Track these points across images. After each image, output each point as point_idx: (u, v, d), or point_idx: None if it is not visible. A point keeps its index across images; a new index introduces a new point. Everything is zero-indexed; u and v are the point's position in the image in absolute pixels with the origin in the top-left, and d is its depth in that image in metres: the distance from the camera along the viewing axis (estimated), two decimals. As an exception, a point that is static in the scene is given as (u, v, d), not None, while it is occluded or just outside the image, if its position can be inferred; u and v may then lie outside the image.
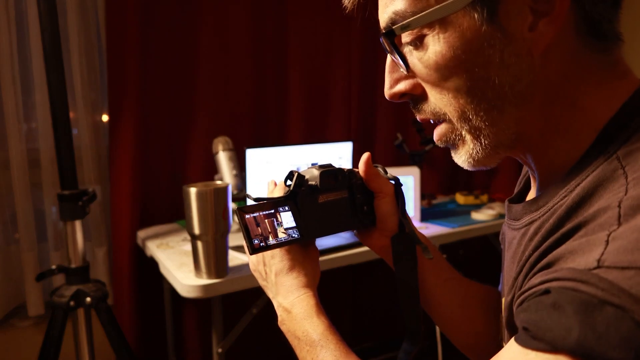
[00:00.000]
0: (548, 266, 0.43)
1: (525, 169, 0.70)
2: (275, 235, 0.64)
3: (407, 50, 0.53)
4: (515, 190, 0.71)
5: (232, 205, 1.25)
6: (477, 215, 1.96)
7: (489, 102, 0.50)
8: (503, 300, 0.63)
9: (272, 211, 0.65)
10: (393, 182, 0.75)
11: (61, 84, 1.21)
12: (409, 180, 1.86)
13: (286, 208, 0.66)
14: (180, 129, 1.94)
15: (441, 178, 2.54)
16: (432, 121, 0.57)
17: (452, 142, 0.56)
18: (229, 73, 2.00)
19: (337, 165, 0.72)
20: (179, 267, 1.38)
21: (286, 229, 0.65)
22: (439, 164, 2.52)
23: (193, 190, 1.17)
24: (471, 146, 0.54)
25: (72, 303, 1.25)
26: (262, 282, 0.73)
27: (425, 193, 2.31)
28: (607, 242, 0.38)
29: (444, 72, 0.50)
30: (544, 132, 0.52)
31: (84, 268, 1.30)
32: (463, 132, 0.53)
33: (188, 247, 1.57)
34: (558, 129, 0.51)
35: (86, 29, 1.80)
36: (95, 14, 1.83)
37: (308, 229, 0.67)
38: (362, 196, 0.73)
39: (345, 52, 2.23)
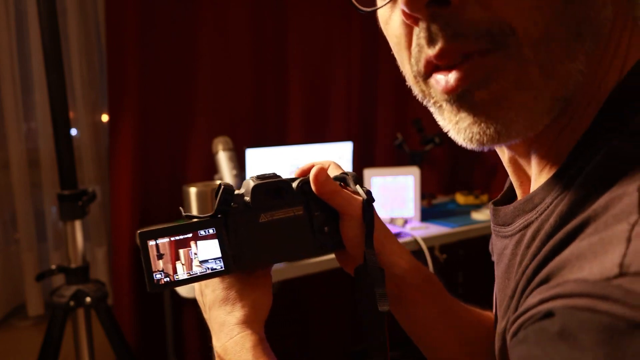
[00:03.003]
0: (548, 279, 0.33)
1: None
2: (189, 268, 0.50)
3: None
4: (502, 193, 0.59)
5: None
6: (477, 215, 1.96)
7: (576, 25, 0.34)
8: (497, 327, 0.51)
9: (188, 236, 0.50)
10: (363, 197, 0.56)
11: (61, 84, 1.21)
12: (409, 180, 1.86)
13: (209, 231, 0.52)
14: (180, 129, 1.94)
15: (441, 178, 2.54)
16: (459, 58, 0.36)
17: (485, 92, 0.36)
18: (229, 73, 2.00)
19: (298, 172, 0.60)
20: (179, 267, 1.38)
21: (203, 262, 0.50)
22: (439, 163, 2.52)
23: (193, 190, 1.17)
24: (518, 100, 0.35)
25: (71, 303, 1.25)
26: (205, 316, 0.58)
27: (425, 193, 2.31)
28: (629, 239, 0.28)
29: None
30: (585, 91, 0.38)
31: (83, 268, 1.29)
32: (519, 73, 0.35)
33: (188, 247, 1.57)
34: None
35: (86, 28, 1.80)
36: (95, 13, 1.83)
37: (242, 258, 0.52)
38: (321, 213, 0.56)
39: (345, 52, 2.23)
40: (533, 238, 0.40)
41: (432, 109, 0.43)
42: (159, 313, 1.91)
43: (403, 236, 1.69)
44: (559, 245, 0.34)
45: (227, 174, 1.69)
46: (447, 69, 0.37)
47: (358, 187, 0.57)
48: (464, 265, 2.45)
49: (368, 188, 0.57)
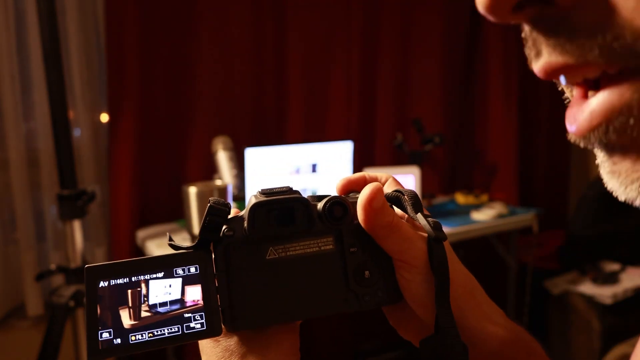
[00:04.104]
0: None
1: None
2: (151, 325, 0.33)
3: None
4: None
5: (232, 206, 1.24)
6: (477, 215, 1.96)
7: None
8: None
9: (157, 276, 0.34)
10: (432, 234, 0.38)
11: (60, 83, 1.21)
12: (409, 179, 1.86)
13: (190, 270, 0.35)
14: (180, 129, 1.94)
15: (441, 178, 2.54)
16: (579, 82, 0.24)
17: (623, 136, 0.22)
18: (229, 73, 2.00)
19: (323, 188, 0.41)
20: (179, 267, 1.38)
21: (166, 312, 0.33)
22: (439, 163, 2.52)
23: (193, 190, 1.17)
24: None
25: (71, 303, 1.25)
26: None
27: (425, 193, 2.31)
28: None
29: None
30: None
31: (83, 268, 1.29)
32: None
33: (188, 247, 1.57)
34: None
35: (85, 28, 1.80)
36: (95, 13, 1.83)
37: (236, 313, 0.35)
38: (361, 251, 0.39)
39: (345, 52, 2.23)
40: None
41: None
42: (159, 313, 1.91)
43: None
44: None
45: (226, 173, 1.69)
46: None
47: (420, 216, 0.38)
48: (464, 265, 2.44)
49: (433, 217, 0.39)
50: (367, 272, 0.39)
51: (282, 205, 0.37)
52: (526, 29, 0.25)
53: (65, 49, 1.73)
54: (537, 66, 0.24)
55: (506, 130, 2.55)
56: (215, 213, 0.35)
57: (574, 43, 0.22)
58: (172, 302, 0.34)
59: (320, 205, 0.38)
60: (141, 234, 1.78)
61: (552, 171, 2.89)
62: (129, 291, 0.33)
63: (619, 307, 2.10)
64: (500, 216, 1.96)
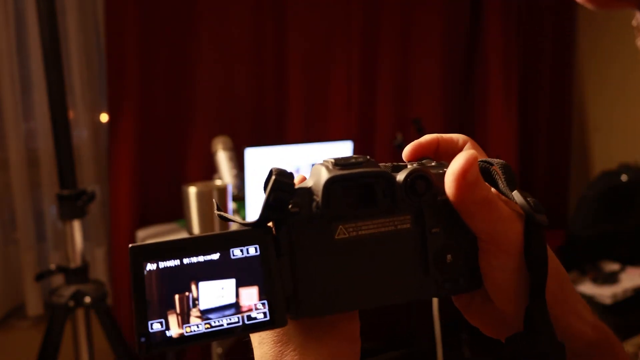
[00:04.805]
0: None
1: None
2: (204, 316, 0.29)
3: None
4: None
5: (232, 206, 1.24)
6: (477, 215, 1.95)
7: None
8: None
9: (212, 258, 0.30)
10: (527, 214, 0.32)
11: (60, 83, 1.21)
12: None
13: (249, 251, 0.30)
14: (180, 129, 1.94)
15: (441, 178, 2.54)
16: None
17: None
18: (229, 73, 2.00)
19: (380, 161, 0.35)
20: (179, 267, 1.37)
21: (220, 308, 0.29)
22: (439, 163, 2.52)
23: (193, 190, 1.17)
24: None
25: (71, 303, 1.25)
26: None
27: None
28: None
29: None
30: None
31: (83, 268, 1.29)
32: None
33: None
34: None
35: (85, 28, 1.80)
36: (95, 13, 1.83)
37: (301, 300, 0.31)
38: (443, 231, 0.33)
39: (346, 52, 2.23)
40: None
41: None
42: (159, 313, 1.91)
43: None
44: None
45: (226, 173, 1.69)
46: None
47: (516, 193, 0.32)
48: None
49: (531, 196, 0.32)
50: (449, 256, 0.34)
51: (362, 181, 0.31)
52: (638, 16, 0.22)
53: (65, 49, 1.73)
54: None
55: (506, 130, 2.55)
56: (281, 188, 0.30)
57: None
58: (226, 307, 0.30)
59: (400, 176, 0.32)
60: (141, 234, 1.78)
61: (552, 171, 2.88)
62: (177, 296, 0.29)
63: (618, 307, 2.09)
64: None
